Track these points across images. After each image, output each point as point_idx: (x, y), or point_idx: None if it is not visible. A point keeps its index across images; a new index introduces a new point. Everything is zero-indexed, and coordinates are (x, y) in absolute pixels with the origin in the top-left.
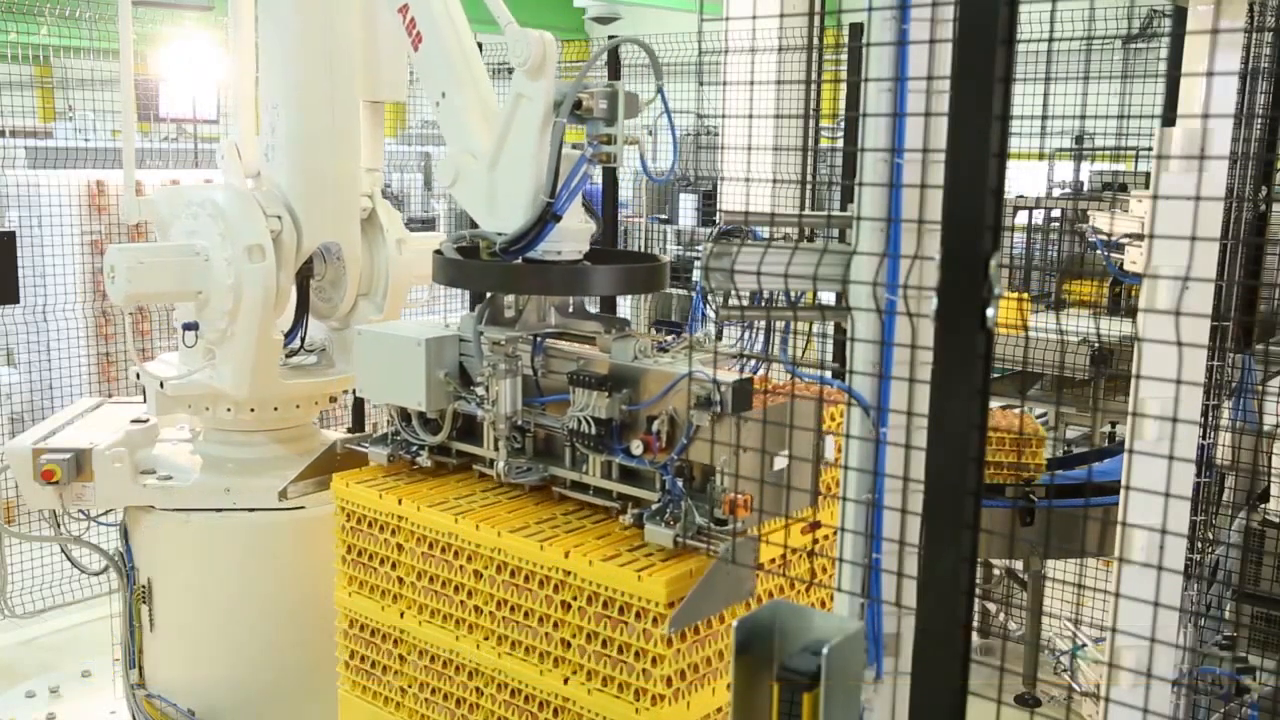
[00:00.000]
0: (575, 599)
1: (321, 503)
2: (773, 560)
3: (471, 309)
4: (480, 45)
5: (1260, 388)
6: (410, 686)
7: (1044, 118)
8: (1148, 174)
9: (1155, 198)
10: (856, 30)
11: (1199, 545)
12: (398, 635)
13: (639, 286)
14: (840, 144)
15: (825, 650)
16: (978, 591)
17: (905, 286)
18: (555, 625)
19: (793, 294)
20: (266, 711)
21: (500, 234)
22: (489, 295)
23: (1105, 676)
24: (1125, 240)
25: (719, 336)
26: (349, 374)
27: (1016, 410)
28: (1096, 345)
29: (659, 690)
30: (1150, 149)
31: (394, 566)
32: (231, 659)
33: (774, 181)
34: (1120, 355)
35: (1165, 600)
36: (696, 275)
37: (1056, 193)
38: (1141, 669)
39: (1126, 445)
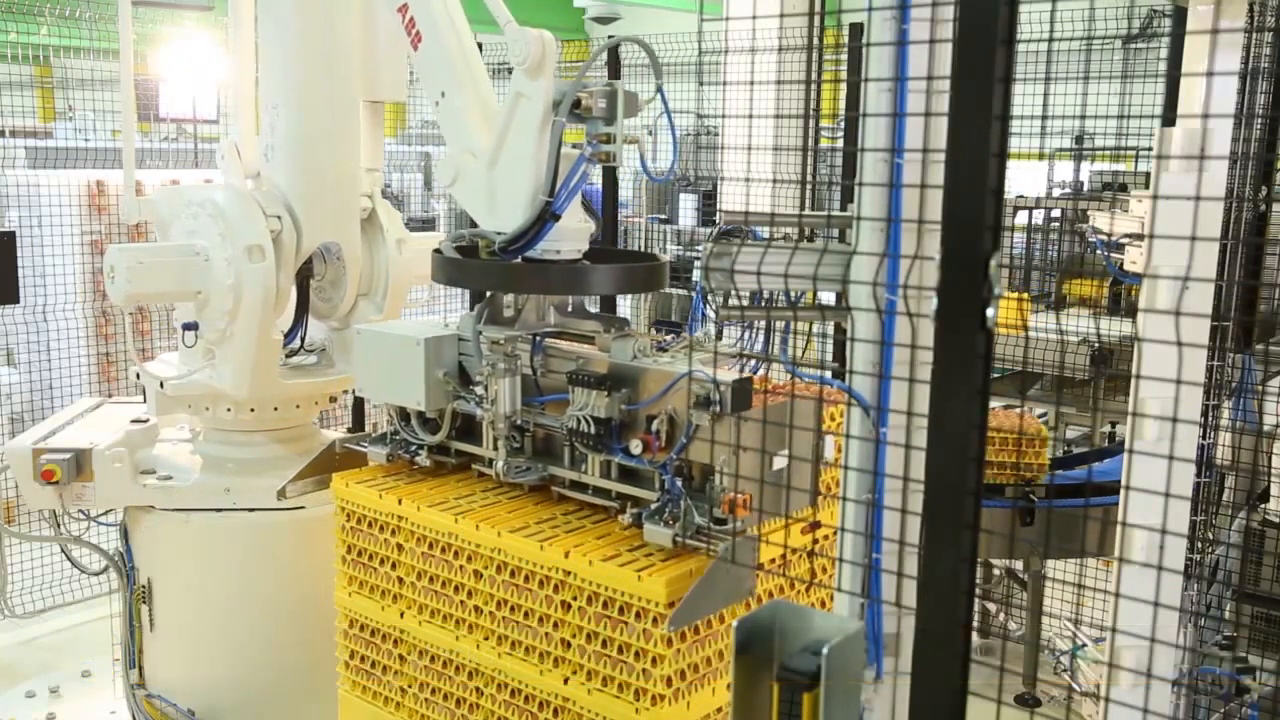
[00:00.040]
0: (575, 599)
1: (321, 503)
2: (773, 560)
3: (471, 309)
4: (480, 45)
5: (1260, 388)
6: (410, 686)
7: (1044, 118)
8: (1148, 174)
9: (1155, 198)
10: (856, 30)
11: (1199, 545)
12: (398, 635)
13: (638, 286)
14: (840, 144)
15: (825, 650)
16: (978, 591)
17: (905, 286)
18: (555, 625)
19: (793, 294)
20: (266, 711)
21: (499, 233)
22: (488, 294)
23: (1105, 676)
24: (1125, 240)
25: (719, 336)
26: (349, 374)
27: (1019, 410)
28: (1096, 345)
29: (659, 690)
30: (1150, 149)
31: (394, 566)
32: (231, 659)
33: (774, 181)
34: (1120, 355)
35: (1165, 600)
36: (696, 275)
37: (1056, 193)
38: (1141, 669)
39: (1126, 445)
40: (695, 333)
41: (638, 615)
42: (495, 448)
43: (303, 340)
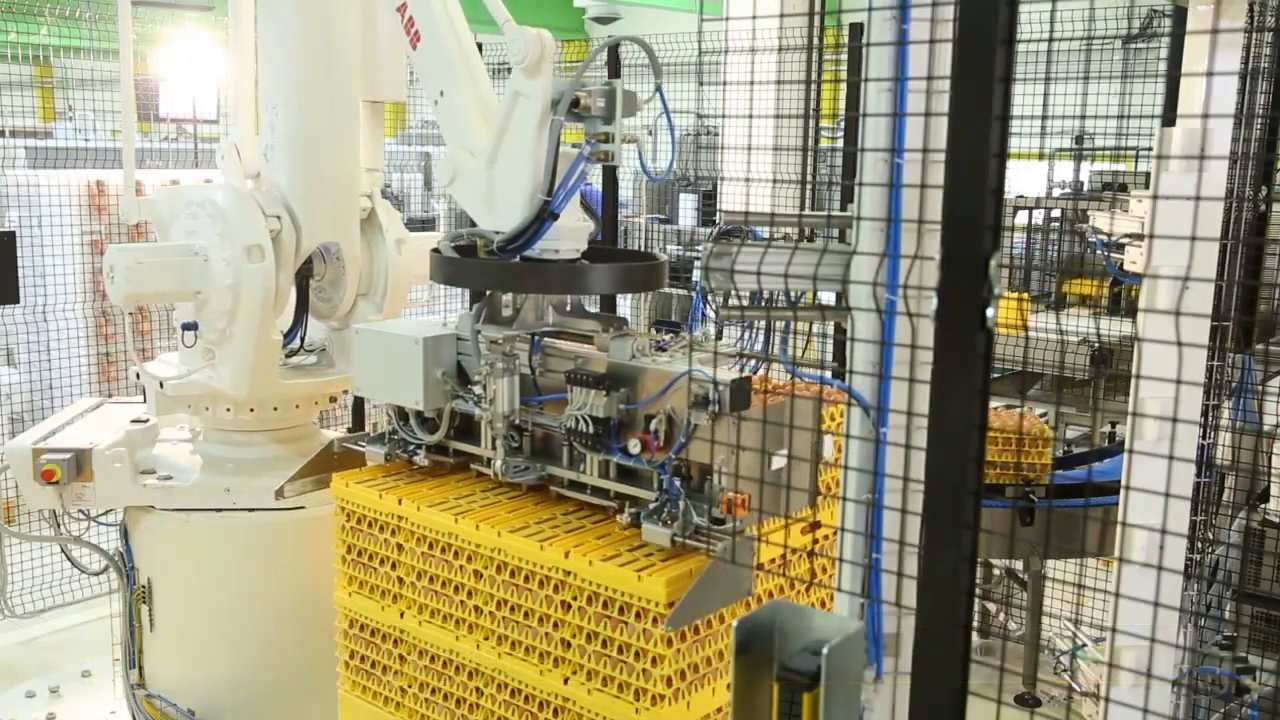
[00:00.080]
0: (575, 599)
1: (321, 503)
2: (772, 560)
3: (471, 308)
4: (480, 45)
5: (1260, 388)
6: (410, 686)
7: (1044, 118)
8: (1148, 174)
9: (1155, 198)
10: (856, 30)
11: (1199, 545)
12: (398, 635)
13: (636, 285)
14: (840, 144)
15: (825, 650)
16: (978, 591)
17: (905, 286)
18: (555, 625)
19: (793, 294)
20: (266, 711)
21: (498, 232)
22: (487, 294)
23: (1105, 676)
24: (1125, 240)
25: (719, 336)
26: (348, 374)
27: (1024, 411)
28: (1096, 345)
29: (659, 690)
30: (1150, 149)
31: (394, 566)
32: (231, 659)
33: (774, 181)
34: (1120, 355)
35: (1165, 600)
36: (696, 275)
37: (1056, 193)
38: (1141, 669)
39: (1126, 445)
40: (694, 332)
41: (638, 615)
42: (493, 447)
43: (302, 340)
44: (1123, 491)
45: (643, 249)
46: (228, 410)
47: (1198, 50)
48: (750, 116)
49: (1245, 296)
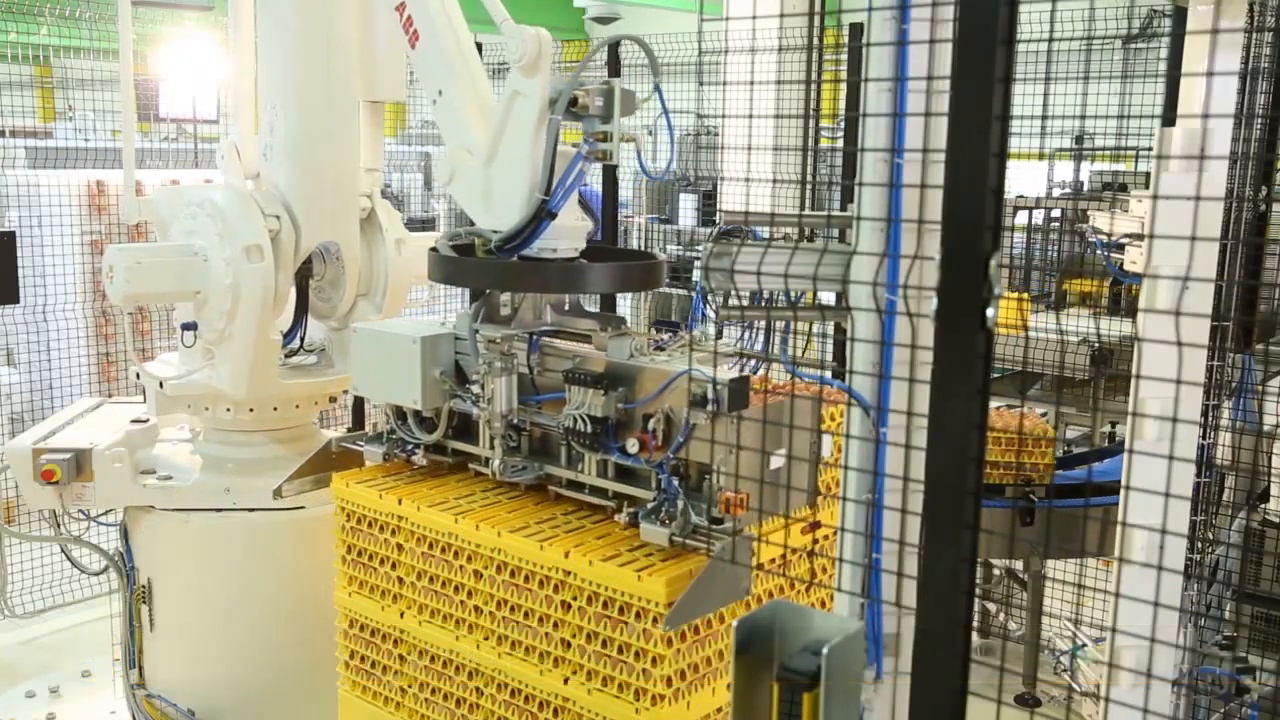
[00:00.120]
0: (575, 599)
1: (321, 503)
2: (772, 560)
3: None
4: (480, 45)
5: (1260, 388)
6: (410, 686)
7: (1044, 118)
8: (1148, 174)
9: (1155, 198)
10: (856, 30)
11: (1199, 545)
12: (398, 635)
13: (634, 284)
14: (840, 144)
15: (825, 650)
16: (978, 591)
17: (905, 286)
18: (555, 625)
19: (793, 294)
20: (266, 711)
21: (496, 231)
22: (485, 293)
23: (1105, 676)
24: (1125, 240)
25: (719, 336)
26: (348, 374)
27: (1027, 411)
28: (1096, 345)
29: (659, 690)
30: (1150, 149)
31: (394, 566)
32: (231, 659)
33: (774, 181)
34: (1120, 355)
35: (1165, 600)
36: (696, 275)
37: (1056, 193)
38: (1141, 669)
39: (1126, 445)
40: (693, 332)
41: (638, 615)
42: (492, 447)
43: (302, 340)
44: (1123, 491)
45: (642, 249)
46: (227, 410)
47: (1198, 50)
48: (750, 116)
49: (1245, 296)
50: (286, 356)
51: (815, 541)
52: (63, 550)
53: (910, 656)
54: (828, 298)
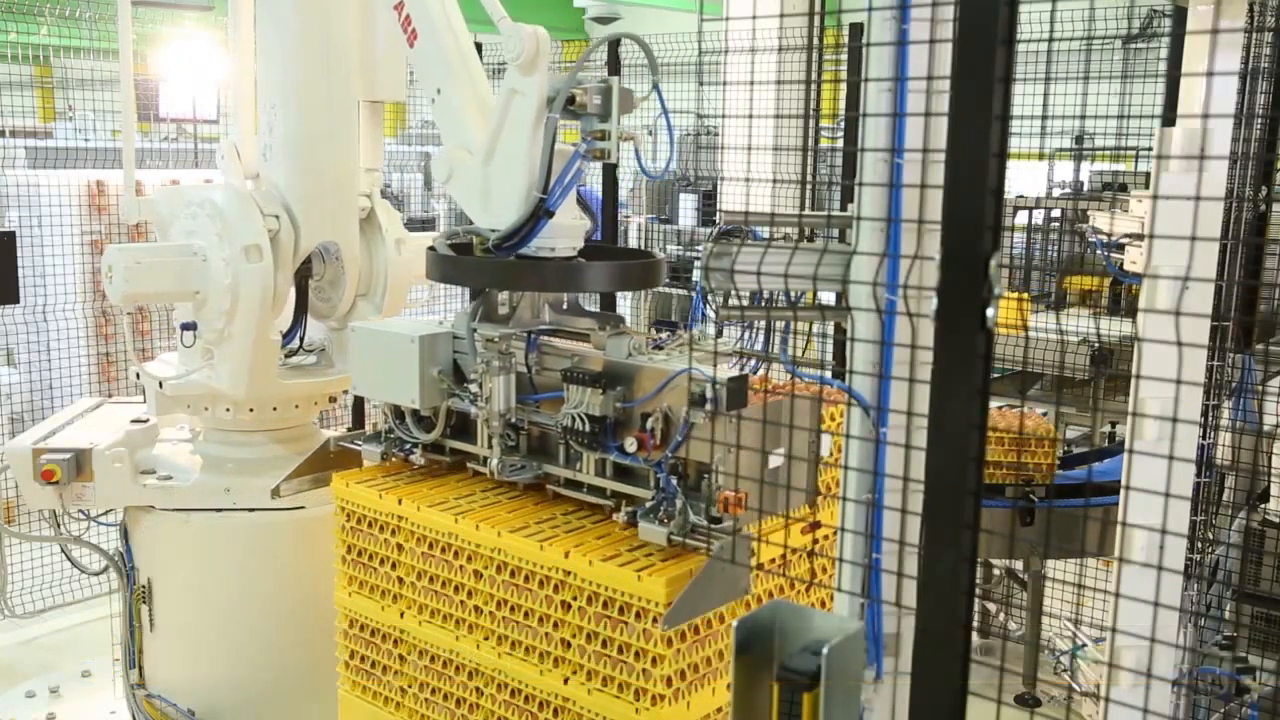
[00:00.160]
0: (575, 599)
1: (321, 503)
2: (772, 560)
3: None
4: (480, 46)
5: (1260, 388)
6: (410, 686)
7: (1044, 118)
8: (1148, 174)
9: (1155, 198)
10: (856, 30)
11: (1199, 545)
12: (398, 635)
13: (632, 283)
14: (840, 144)
15: (825, 650)
16: (978, 591)
17: (905, 286)
18: (555, 625)
19: (793, 294)
20: (266, 711)
21: (494, 230)
22: (483, 292)
23: (1105, 676)
24: (1125, 240)
25: (719, 336)
26: (348, 374)
27: (1029, 411)
28: (1096, 345)
29: (659, 690)
30: (1150, 149)
31: (394, 566)
32: (231, 659)
33: (774, 181)
34: (1120, 355)
35: (1165, 600)
36: (696, 275)
37: (1056, 193)
38: (1141, 669)
39: (1126, 445)
40: (691, 331)
41: (638, 615)
42: (490, 446)
43: (302, 340)
44: (1123, 491)
45: (641, 249)
46: (227, 410)
47: (1198, 50)
48: (750, 116)
49: (1245, 296)
50: (286, 356)
51: (815, 541)
52: (63, 550)
53: (910, 656)
54: (828, 298)
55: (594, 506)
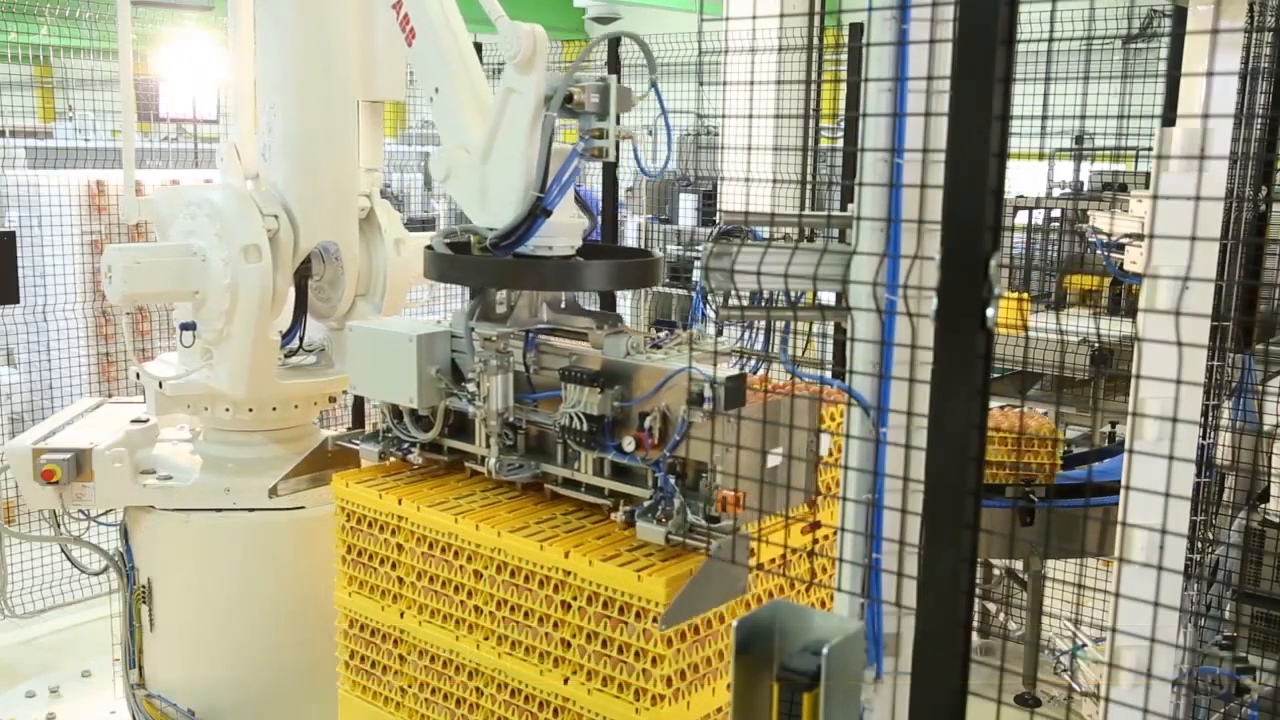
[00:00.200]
0: (575, 599)
1: (321, 502)
2: (772, 560)
3: None
4: (479, 46)
5: (1260, 388)
6: (410, 686)
7: (1044, 118)
8: (1148, 174)
9: (1155, 198)
10: (856, 30)
11: (1199, 545)
12: (398, 635)
13: (630, 281)
14: (840, 144)
15: (825, 650)
16: (978, 591)
17: (905, 286)
18: (555, 625)
19: (793, 294)
20: (266, 711)
21: (491, 229)
22: (481, 291)
23: (1105, 676)
24: (1125, 240)
25: (719, 335)
26: (347, 374)
27: (1031, 411)
28: (1096, 345)
29: (659, 690)
30: (1150, 149)
31: (394, 566)
32: (231, 659)
33: (774, 181)
34: (1120, 355)
35: (1165, 600)
36: (696, 275)
37: (1056, 193)
38: (1141, 669)
39: (1126, 445)
40: (691, 330)
41: (638, 615)
42: (488, 445)
43: (301, 340)
44: (1123, 491)
45: (640, 248)
46: (227, 410)
47: (1198, 50)
48: (750, 116)
49: (1245, 296)
50: (286, 356)
51: (815, 541)
52: (63, 550)
53: (910, 656)
54: (828, 298)
55: (593, 506)
